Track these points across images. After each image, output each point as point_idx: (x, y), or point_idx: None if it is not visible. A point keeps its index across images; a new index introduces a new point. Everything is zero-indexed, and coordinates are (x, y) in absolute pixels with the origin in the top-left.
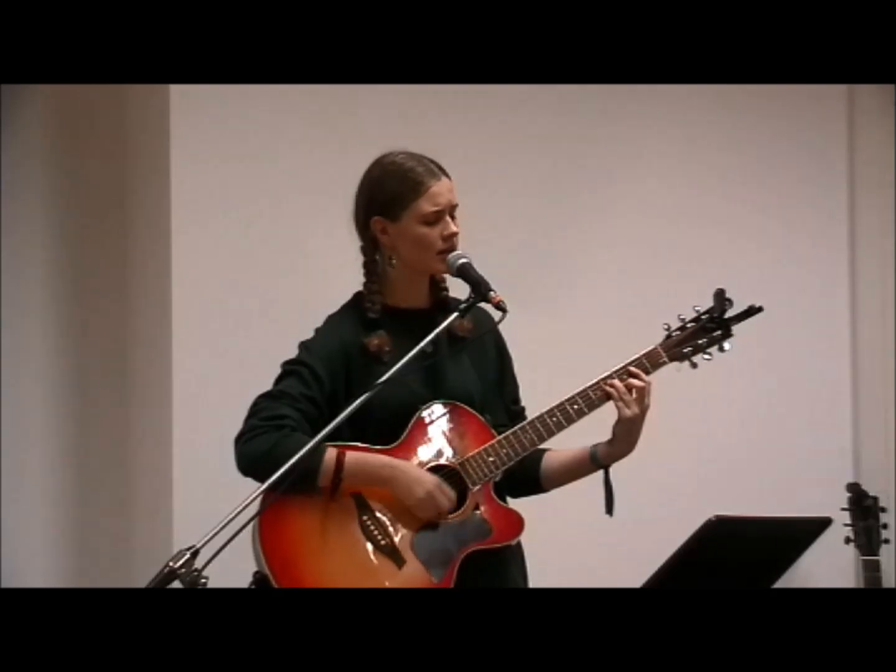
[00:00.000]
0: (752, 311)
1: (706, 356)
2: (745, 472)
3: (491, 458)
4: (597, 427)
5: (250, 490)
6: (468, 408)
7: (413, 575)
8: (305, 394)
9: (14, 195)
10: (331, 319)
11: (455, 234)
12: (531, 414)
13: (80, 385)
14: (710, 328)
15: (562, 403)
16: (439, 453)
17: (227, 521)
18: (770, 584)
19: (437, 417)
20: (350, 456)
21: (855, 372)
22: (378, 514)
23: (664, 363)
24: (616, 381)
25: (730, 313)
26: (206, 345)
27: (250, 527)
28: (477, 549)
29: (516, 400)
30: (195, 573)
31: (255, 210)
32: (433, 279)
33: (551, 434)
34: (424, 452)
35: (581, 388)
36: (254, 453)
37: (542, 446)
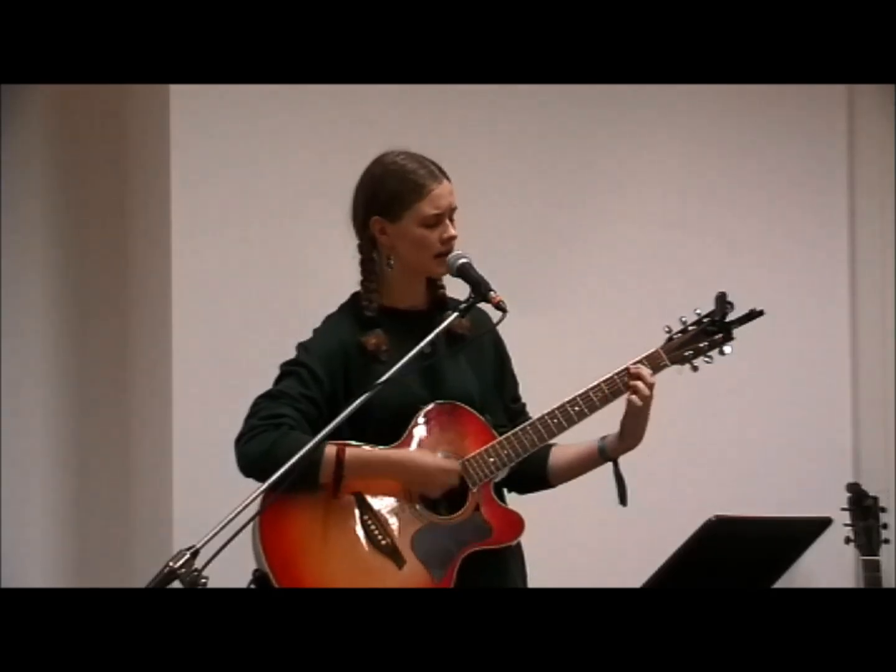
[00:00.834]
0: (753, 315)
1: (707, 359)
2: (745, 472)
3: (491, 459)
4: (596, 427)
5: (250, 490)
6: (468, 408)
7: (413, 575)
8: (304, 394)
9: (14, 196)
10: (329, 320)
11: (454, 238)
12: (532, 411)
13: (80, 386)
14: (711, 331)
15: (563, 405)
16: (440, 454)
17: (228, 521)
18: (770, 584)
19: (436, 418)
20: (350, 451)
21: (855, 372)
22: (378, 514)
23: (665, 366)
24: (641, 368)
25: (731, 317)
26: (206, 346)
27: (251, 526)
28: (477, 549)
29: (516, 398)
30: (195, 573)
31: (255, 211)
32: (431, 279)
33: (552, 435)
34: (424, 451)
35: (582, 390)
36: (254, 453)
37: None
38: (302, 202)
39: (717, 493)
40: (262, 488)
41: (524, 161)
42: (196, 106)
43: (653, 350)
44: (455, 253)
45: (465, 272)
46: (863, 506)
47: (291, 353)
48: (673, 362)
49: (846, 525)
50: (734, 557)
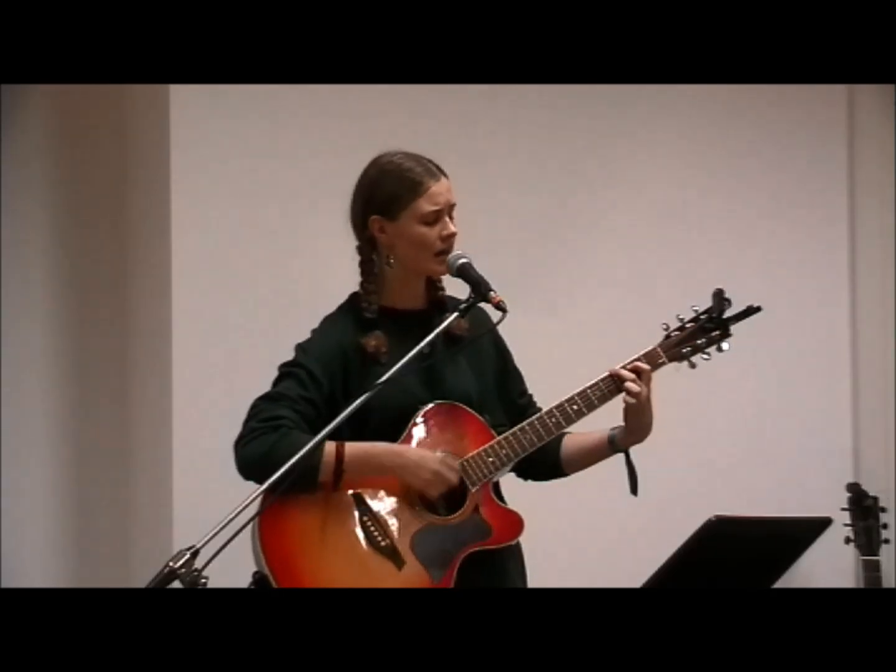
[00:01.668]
0: (750, 311)
1: (704, 356)
2: (745, 472)
3: (490, 459)
4: (606, 418)
5: (250, 490)
6: (467, 408)
7: (413, 575)
8: (303, 395)
9: (14, 195)
10: (327, 320)
11: (453, 235)
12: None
13: (80, 385)
14: (709, 328)
15: (561, 404)
16: (439, 453)
17: (228, 521)
18: (770, 584)
19: (435, 418)
20: (350, 447)
21: (855, 372)
22: (378, 514)
23: (663, 363)
24: (619, 369)
25: (728, 313)
26: (206, 346)
27: (250, 527)
28: (476, 549)
29: (523, 392)
30: (195, 573)
31: (254, 210)
32: (429, 279)
33: (550, 434)
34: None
35: (580, 389)
36: (253, 455)
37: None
38: (301, 201)
39: (717, 493)
40: (261, 489)
41: (524, 161)
42: (196, 106)
43: (651, 348)
44: (455, 253)
45: (466, 272)
46: (863, 506)
47: (291, 354)
48: (671, 360)
49: (846, 525)
50: (734, 557)
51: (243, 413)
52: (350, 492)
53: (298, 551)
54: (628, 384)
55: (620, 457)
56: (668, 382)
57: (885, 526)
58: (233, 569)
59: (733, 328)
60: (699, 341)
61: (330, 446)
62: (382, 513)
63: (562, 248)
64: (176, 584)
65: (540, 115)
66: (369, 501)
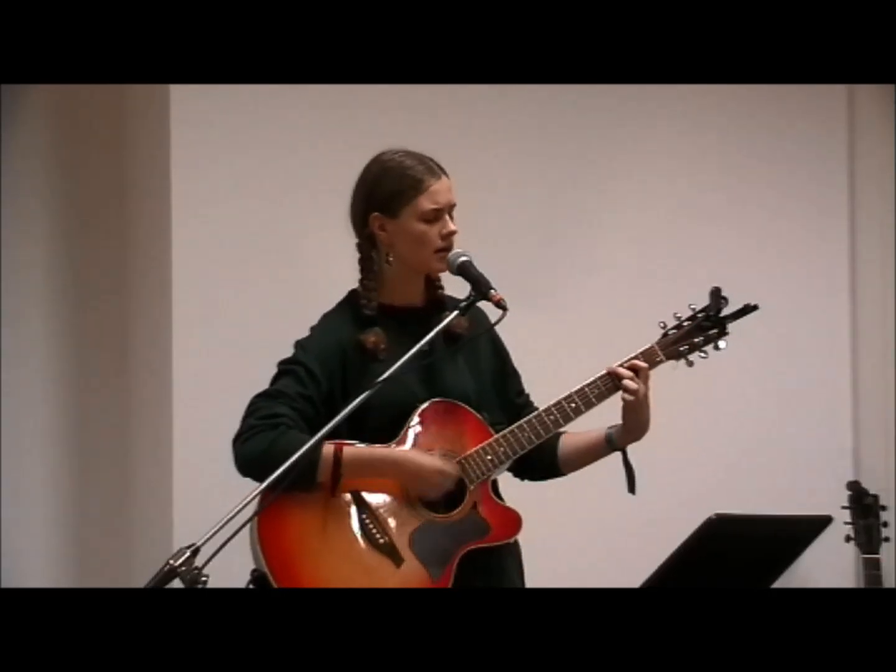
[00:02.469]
0: (747, 310)
1: (702, 354)
2: (745, 471)
3: (489, 457)
4: (604, 416)
5: (250, 488)
6: (465, 406)
7: (411, 573)
8: (302, 393)
9: (14, 195)
10: (326, 317)
11: (453, 233)
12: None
13: (80, 385)
14: (706, 326)
15: (559, 402)
16: (437, 452)
17: (228, 519)
18: (770, 582)
19: (433, 416)
20: (348, 450)
21: (855, 370)
22: (376, 512)
23: (661, 361)
24: (617, 367)
25: (725, 311)
26: (206, 344)
27: (249, 525)
28: (475, 547)
29: (520, 391)
30: (195, 571)
31: (254, 210)
32: (428, 277)
33: (549, 432)
34: (422, 451)
35: (578, 387)
36: (251, 453)
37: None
38: (301, 200)
39: (717, 492)
40: (260, 487)
41: (524, 159)
42: (196, 106)
43: (648, 346)
44: (455, 251)
45: (466, 270)
46: (863, 504)
47: (290, 352)
48: (668, 357)
49: (846, 523)
50: (734, 556)
51: (243, 410)
52: (349, 490)
53: (297, 549)
54: (626, 382)
55: (618, 456)
56: (668, 381)
57: (885, 524)
58: (233, 567)
59: (733, 326)
60: (696, 339)
61: (328, 449)
62: (381, 511)
63: (562, 246)
64: (176, 582)
65: (540, 115)
66: (368, 499)
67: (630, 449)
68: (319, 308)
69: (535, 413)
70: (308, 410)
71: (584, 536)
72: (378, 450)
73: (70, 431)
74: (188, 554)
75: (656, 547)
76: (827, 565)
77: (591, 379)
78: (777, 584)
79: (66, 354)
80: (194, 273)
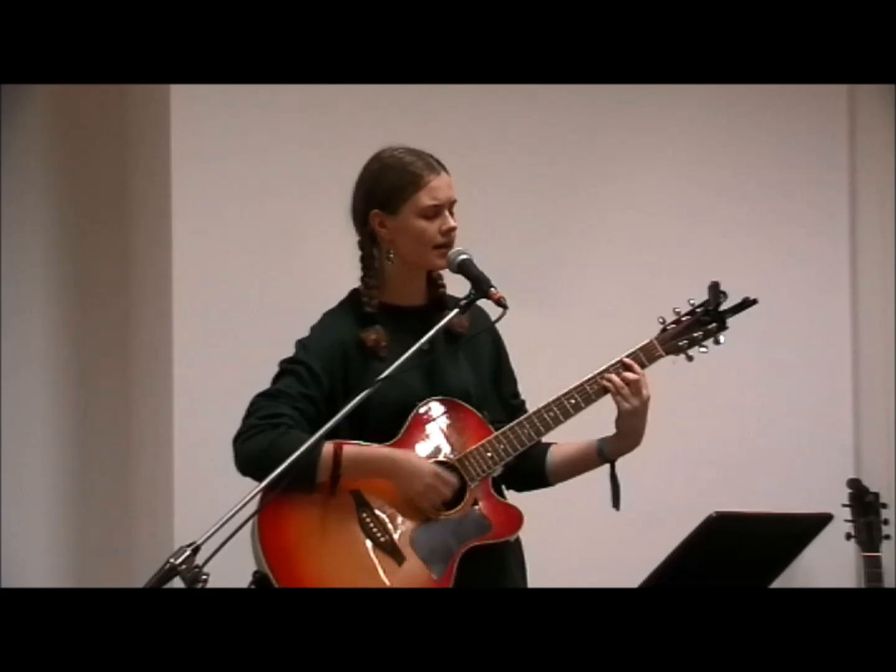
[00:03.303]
0: (746, 304)
1: (702, 349)
2: (746, 469)
3: (489, 454)
4: (595, 425)
5: (250, 487)
6: (465, 404)
7: (413, 572)
8: (303, 392)
9: (14, 195)
10: (327, 317)
11: (454, 229)
12: (530, 408)
13: (81, 384)
14: (705, 321)
15: (559, 398)
16: (437, 450)
17: (228, 518)
18: (771, 580)
19: (434, 414)
20: (348, 450)
21: (856, 368)
22: (377, 512)
23: (660, 356)
24: (612, 376)
25: (724, 306)
26: (207, 343)
27: (250, 525)
28: (476, 544)
29: (515, 394)
30: (196, 569)
31: (255, 209)
32: (430, 276)
33: (549, 429)
34: (422, 449)
35: (577, 383)
36: (251, 452)
37: (547, 440)
38: (302, 199)
39: (718, 490)
40: (261, 486)
41: (523, 157)
42: (196, 106)
43: (647, 341)
44: (456, 249)
45: (466, 268)
46: (864, 502)
47: (291, 351)
48: (668, 353)
49: (847, 521)
50: (735, 554)
51: (244, 409)
52: (349, 489)
53: (298, 549)
54: (617, 399)
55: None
56: (667, 378)
57: (885, 522)
58: (233, 565)
59: (734, 323)
60: (696, 334)
61: (328, 448)
62: (382, 509)
63: (562, 244)
64: (177, 581)
65: (539, 113)
66: (368, 498)
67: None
68: (320, 307)
69: (535, 410)
70: (310, 410)
71: (585, 533)
72: (379, 450)
73: (71, 431)
74: (188, 552)
75: (657, 544)
76: (827, 563)
77: (591, 375)
78: (777, 582)
79: (67, 354)
80: (195, 272)
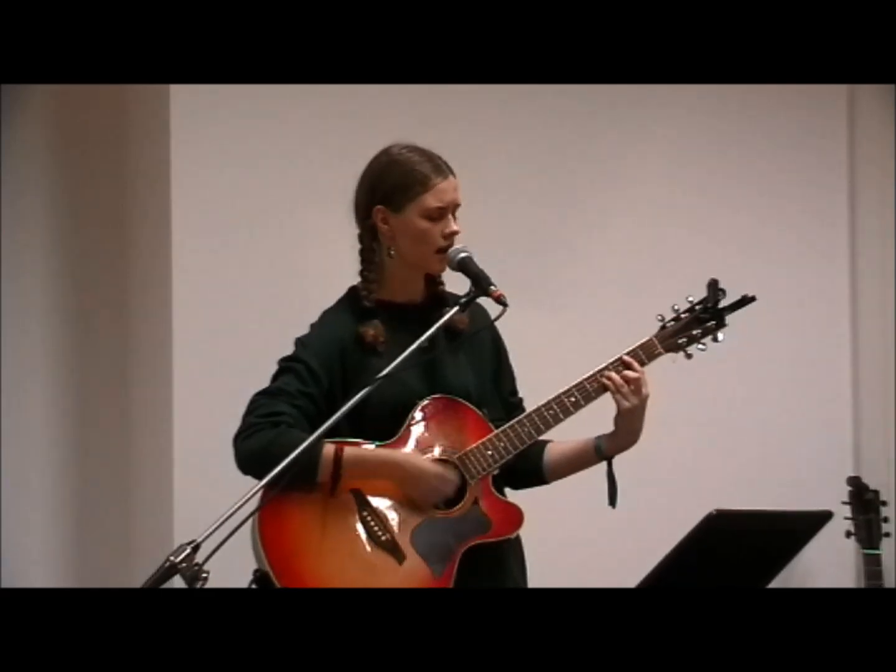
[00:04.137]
0: (745, 301)
1: (701, 346)
2: (745, 466)
3: (489, 452)
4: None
5: (250, 485)
6: (465, 402)
7: (413, 570)
8: (303, 390)
9: (14, 195)
10: (326, 315)
11: (455, 234)
12: (529, 406)
13: (80, 383)
14: (704, 318)
15: (558, 396)
16: (437, 448)
17: (228, 516)
18: (771, 578)
19: (434, 412)
20: (348, 451)
21: (855, 366)
22: (378, 510)
23: (659, 354)
24: (612, 374)
25: (723, 303)
26: (207, 342)
27: (249, 524)
28: (477, 543)
29: (514, 392)
30: (196, 568)
31: (255, 210)
32: (429, 274)
33: (548, 427)
34: (422, 447)
35: (577, 381)
36: (251, 450)
37: (543, 437)
38: (302, 201)
39: (717, 487)
40: (261, 484)
41: (523, 157)
42: (196, 106)
43: (646, 339)
44: (456, 247)
45: (466, 266)
46: (863, 499)
47: (290, 348)
48: (667, 350)
49: (847, 518)
50: (734, 551)
51: (244, 407)
52: (350, 487)
53: (299, 548)
54: (617, 397)
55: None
56: (666, 376)
57: (885, 519)
58: (233, 564)
59: (734, 320)
60: (695, 332)
61: (329, 449)
62: (382, 508)
63: (562, 243)
64: (177, 579)
65: (540, 114)
66: (369, 497)
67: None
68: (319, 306)
69: (535, 408)
70: (309, 408)
71: (584, 530)
72: (379, 451)
73: (71, 430)
74: (188, 550)
75: (656, 542)
76: (827, 561)
77: (590, 373)
78: (777, 580)
79: (66, 355)
80: (195, 271)
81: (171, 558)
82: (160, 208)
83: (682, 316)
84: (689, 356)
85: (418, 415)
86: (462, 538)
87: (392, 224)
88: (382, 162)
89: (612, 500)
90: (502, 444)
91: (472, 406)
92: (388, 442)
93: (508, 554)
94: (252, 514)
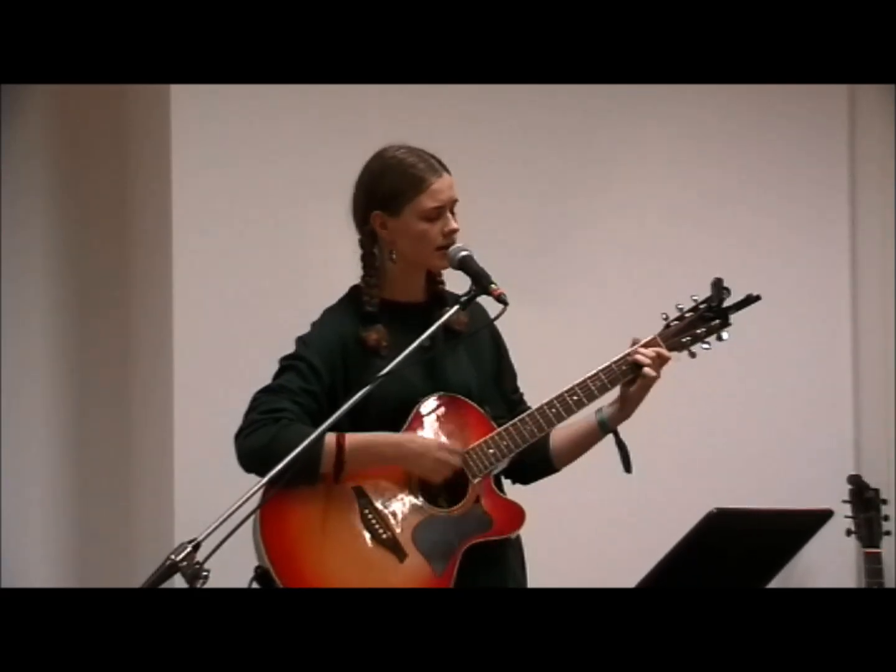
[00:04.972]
0: (749, 300)
1: (704, 346)
2: (746, 465)
3: (491, 450)
4: None
5: (251, 483)
6: (467, 400)
7: (414, 568)
8: (304, 388)
9: (14, 196)
10: (328, 313)
11: (455, 231)
12: (530, 402)
13: (81, 382)
14: (709, 317)
15: (561, 395)
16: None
17: (229, 514)
18: (771, 577)
19: (436, 410)
20: (350, 438)
21: (856, 364)
22: (379, 508)
23: None
24: (643, 349)
25: (727, 302)
26: (208, 341)
27: (251, 521)
28: (478, 541)
29: (514, 389)
30: (196, 566)
31: (255, 210)
32: (429, 273)
33: (551, 425)
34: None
35: (580, 380)
36: (254, 447)
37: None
38: (302, 200)
39: (718, 486)
40: (262, 481)
41: (525, 155)
42: (196, 106)
43: (650, 338)
44: (456, 246)
45: (467, 265)
46: (864, 498)
47: (291, 348)
48: (671, 349)
49: (847, 517)
50: (735, 550)
51: (244, 407)
52: (351, 485)
53: (300, 545)
54: (647, 370)
55: (609, 444)
56: (668, 374)
57: (886, 518)
58: (234, 562)
59: (736, 319)
60: (699, 331)
61: (330, 437)
62: (383, 505)
63: (562, 241)
64: (177, 577)
65: (543, 112)
66: (370, 494)
67: (629, 443)
68: (320, 305)
69: (537, 406)
70: (311, 405)
71: (585, 529)
72: (380, 435)
73: (71, 429)
74: (189, 549)
75: (655, 540)
76: (828, 560)
77: (594, 371)
78: (778, 578)
79: (67, 353)
80: (195, 271)
81: (172, 557)
82: (161, 208)
83: (687, 315)
84: (692, 355)
85: (421, 413)
86: (463, 536)
87: (391, 228)
88: (375, 167)
89: (627, 466)
90: (504, 443)
91: (474, 404)
92: None
93: (508, 551)
94: (253, 511)
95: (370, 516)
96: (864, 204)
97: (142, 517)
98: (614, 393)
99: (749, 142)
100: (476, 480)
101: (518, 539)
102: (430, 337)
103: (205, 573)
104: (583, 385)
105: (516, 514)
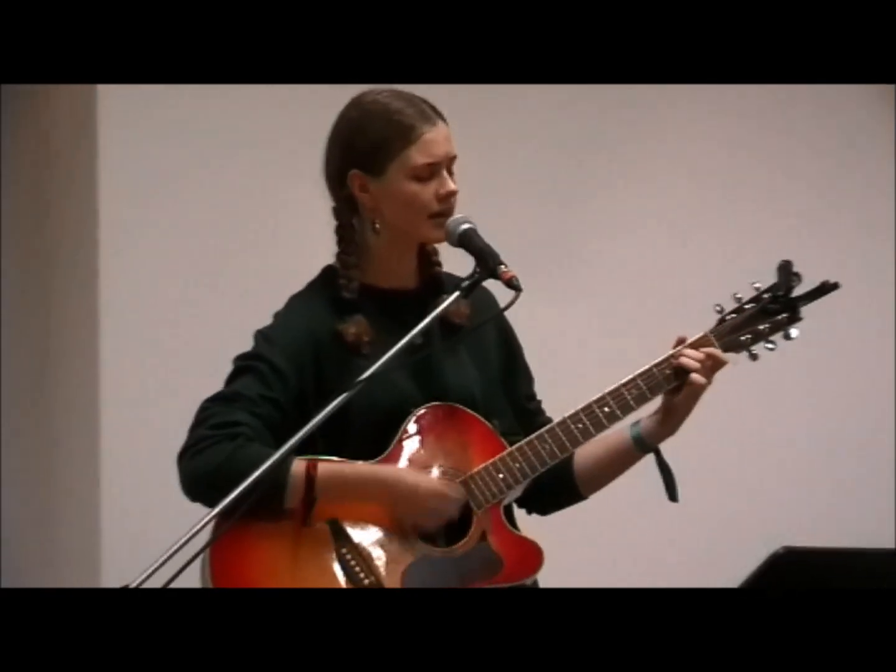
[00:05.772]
0: (825, 289)
1: (769, 346)
2: (798, 494)
3: (500, 475)
4: None
5: (198, 515)
6: (470, 411)
7: None
8: (265, 395)
9: None
10: (295, 301)
11: (454, 193)
12: (550, 414)
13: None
14: (774, 310)
15: (589, 405)
16: (436, 469)
17: (168, 557)
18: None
19: (432, 423)
20: (324, 468)
21: None
22: (359, 545)
23: None
24: (689, 351)
25: (797, 291)
26: (138, 341)
27: (198, 562)
28: (483, 587)
29: (531, 396)
30: None
31: (187, 207)
32: (423, 252)
33: (576, 444)
34: (417, 468)
35: (613, 387)
36: (201, 470)
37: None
38: (237, 193)
39: (767, 518)
40: (213, 512)
41: (542, 151)
42: (124, 106)
43: (700, 335)
44: (456, 217)
45: (469, 241)
46: None
47: (249, 344)
48: (726, 349)
49: None
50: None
51: (187, 421)
52: (325, 518)
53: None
54: (694, 376)
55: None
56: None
57: None
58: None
59: (804, 310)
60: (761, 326)
61: (299, 466)
62: (365, 543)
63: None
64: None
65: (555, 104)
66: (348, 529)
67: None
68: (286, 292)
69: (560, 419)
70: (273, 416)
71: (585, 531)
72: (362, 467)
73: None
74: None
75: (656, 540)
76: None
77: (630, 376)
78: None
79: None
80: (123, 270)
81: None
82: (86, 209)
83: (746, 307)
84: (753, 357)
85: (412, 427)
86: (465, 581)
87: (373, 191)
88: (353, 116)
89: (672, 493)
90: (518, 465)
91: (479, 416)
92: (374, 460)
93: None
94: (202, 550)
95: (349, 556)
96: None
97: (66, 558)
98: (653, 404)
99: (789, 143)
100: (481, 512)
101: None
102: (424, 332)
103: None
104: (616, 394)
105: (531, 554)
